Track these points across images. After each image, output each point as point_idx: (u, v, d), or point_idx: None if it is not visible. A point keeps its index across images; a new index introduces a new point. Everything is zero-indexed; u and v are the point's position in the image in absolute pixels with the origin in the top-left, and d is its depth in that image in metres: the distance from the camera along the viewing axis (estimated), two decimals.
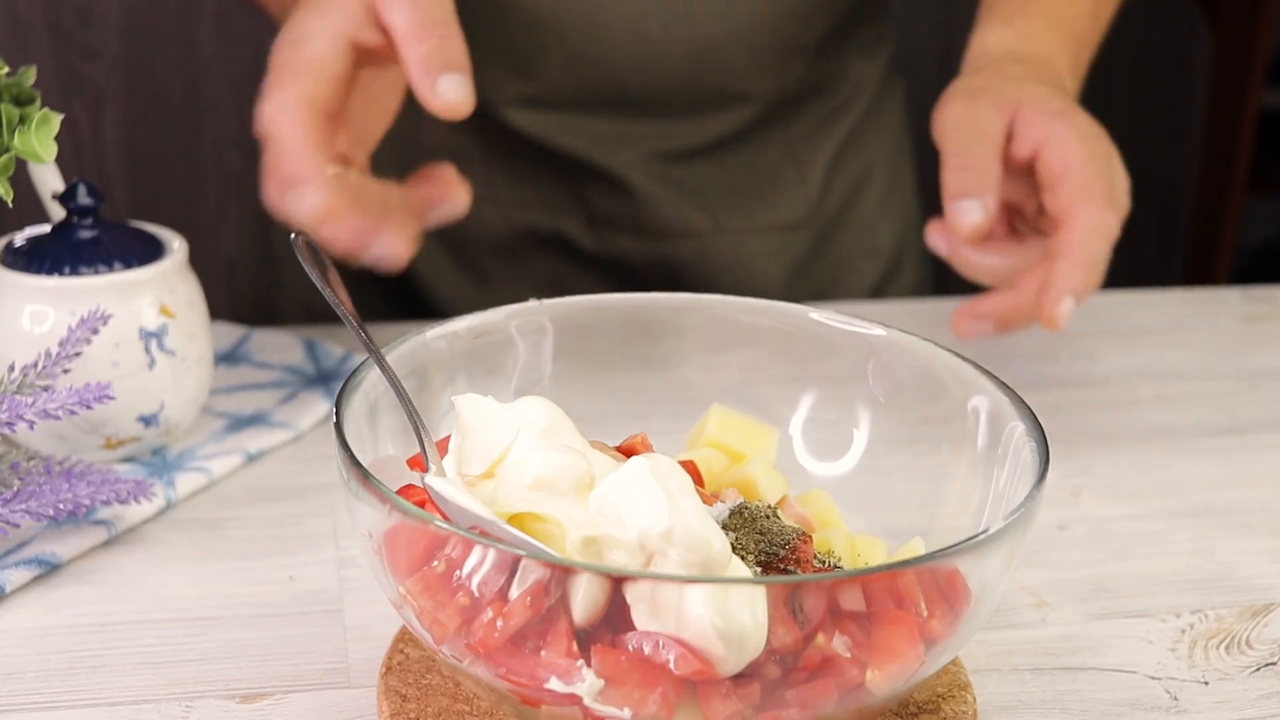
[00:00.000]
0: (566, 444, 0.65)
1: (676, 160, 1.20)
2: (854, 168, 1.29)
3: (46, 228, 0.90)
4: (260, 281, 1.33)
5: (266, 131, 0.87)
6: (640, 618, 0.58)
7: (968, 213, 0.91)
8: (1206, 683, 0.76)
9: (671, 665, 0.57)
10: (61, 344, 0.82)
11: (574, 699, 0.58)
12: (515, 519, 0.63)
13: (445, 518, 0.63)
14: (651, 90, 1.17)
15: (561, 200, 1.21)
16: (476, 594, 0.59)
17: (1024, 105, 0.95)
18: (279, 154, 0.86)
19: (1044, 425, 0.69)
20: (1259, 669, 0.77)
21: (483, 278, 1.23)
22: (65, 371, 0.81)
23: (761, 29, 1.17)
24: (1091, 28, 1.10)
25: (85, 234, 0.88)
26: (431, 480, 0.64)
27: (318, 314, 1.25)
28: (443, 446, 0.69)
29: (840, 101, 1.27)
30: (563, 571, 0.59)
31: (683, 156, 1.21)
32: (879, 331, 0.77)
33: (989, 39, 1.05)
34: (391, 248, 0.87)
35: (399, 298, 1.25)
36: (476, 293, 1.23)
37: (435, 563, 0.61)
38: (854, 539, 0.73)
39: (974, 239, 0.92)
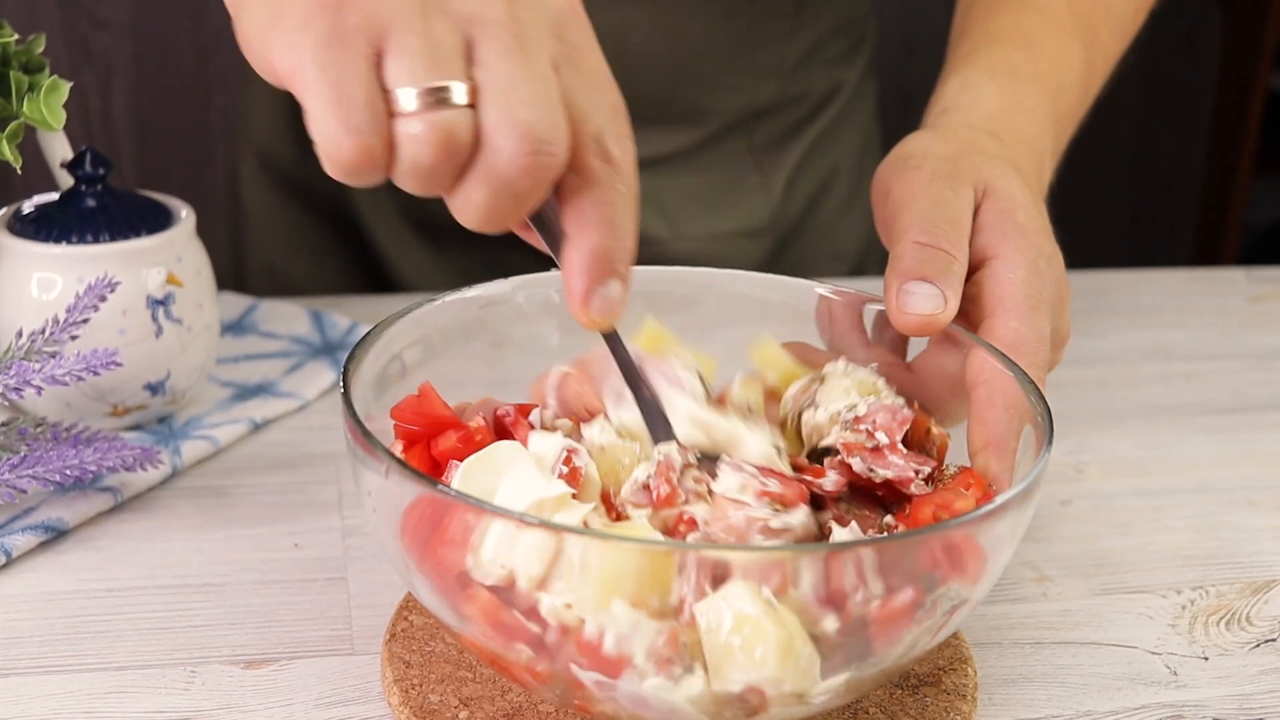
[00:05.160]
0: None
1: (638, 169, 1.18)
2: (819, 170, 1.26)
3: (55, 195, 0.90)
4: (229, 244, 1.32)
5: None
6: None
7: (923, 298, 0.73)
8: (1206, 658, 0.76)
9: None
10: (69, 311, 0.82)
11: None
12: None
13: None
14: (625, 99, 1.13)
15: None
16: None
17: (989, 197, 0.79)
18: None
19: (1049, 401, 0.69)
20: (1259, 645, 0.78)
21: (447, 260, 1.23)
22: (73, 338, 0.82)
23: (742, 49, 1.15)
24: (1080, 102, 0.95)
25: (93, 202, 0.88)
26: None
27: (281, 277, 1.26)
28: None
29: (810, 109, 1.24)
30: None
31: (644, 165, 1.18)
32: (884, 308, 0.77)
33: (969, 96, 0.88)
34: None
35: (363, 272, 1.25)
36: (440, 273, 1.22)
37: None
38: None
39: (920, 332, 0.74)
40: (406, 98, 0.56)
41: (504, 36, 0.57)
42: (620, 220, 0.61)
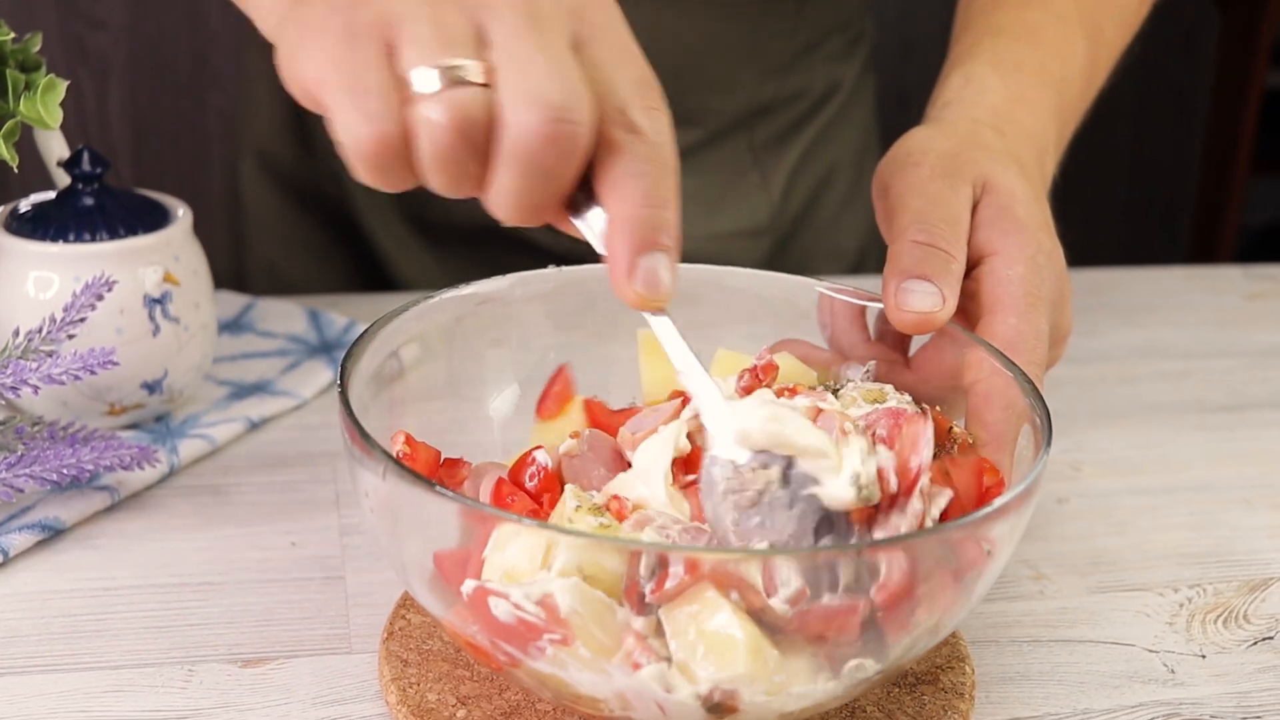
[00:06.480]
0: None
1: None
2: (819, 168, 1.26)
3: (52, 194, 0.90)
4: (229, 243, 1.32)
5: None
6: None
7: (921, 295, 0.73)
8: (1204, 656, 0.76)
9: None
10: (66, 310, 0.82)
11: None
12: None
13: None
14: None
15: None
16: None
17: (989, 193, 0.79)
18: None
19: (1045, 399, 0.69)
20: (1256, 643, 0.78)
21: (447, 261, 1.23)
22: (70, 337, 0.82)
23: (745, 48, 1.15)
24: (1083, 96, 0.94)
25: (90, 201, 0.88)
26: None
27: (282, 277, 1.26)
28: None
29: (809, 107, 1.24)
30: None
31: None
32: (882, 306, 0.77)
33: (972, 89, 0.87)
34: None
35: (364, 272, 1.25)
36: (441, 274, 1.22)
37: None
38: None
39: (918, 330, 0.74)
40: (420, 80, 0.56)
41: (515, 18, 0.57)
42: (655, 190, 0.58)
